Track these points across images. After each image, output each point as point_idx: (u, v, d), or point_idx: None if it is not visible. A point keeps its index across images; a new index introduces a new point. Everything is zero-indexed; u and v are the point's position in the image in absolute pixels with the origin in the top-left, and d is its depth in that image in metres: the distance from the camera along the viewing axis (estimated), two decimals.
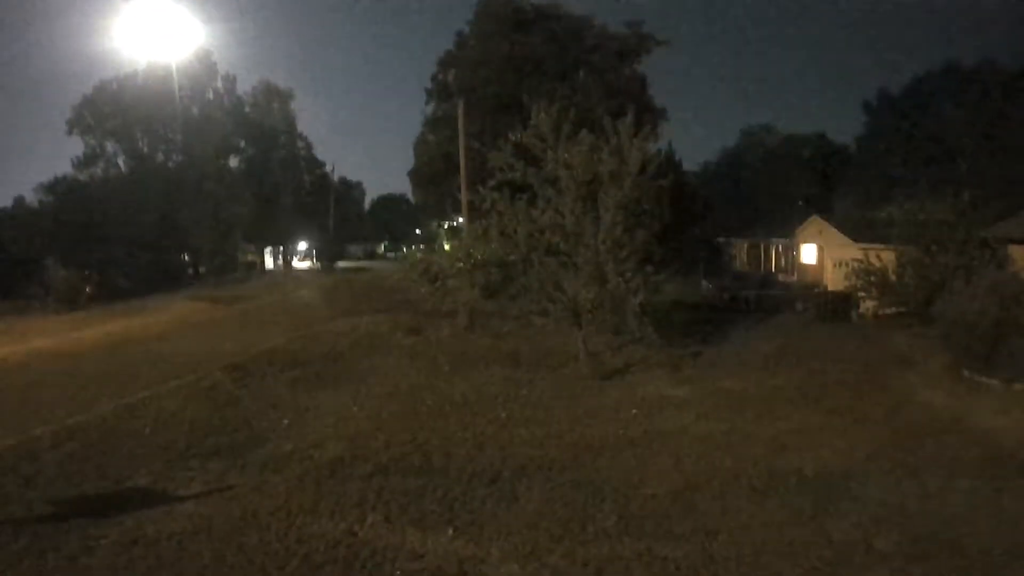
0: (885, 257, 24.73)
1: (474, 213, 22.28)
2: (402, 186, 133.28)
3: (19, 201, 59.50)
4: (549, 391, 15.59)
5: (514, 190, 18.67)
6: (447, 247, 27.29)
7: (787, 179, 65.98)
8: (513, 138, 18.72)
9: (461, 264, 19.23)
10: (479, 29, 39.91)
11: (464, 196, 24.94)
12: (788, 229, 45.42)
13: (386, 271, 52.35)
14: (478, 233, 19.80)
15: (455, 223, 43.78)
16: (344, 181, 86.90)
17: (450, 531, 8.40)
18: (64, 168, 57.68)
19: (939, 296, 20.22)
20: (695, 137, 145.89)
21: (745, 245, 52.30)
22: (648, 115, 33.09)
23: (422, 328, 23.20)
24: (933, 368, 16.37)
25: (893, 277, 24.13)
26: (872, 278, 24.58)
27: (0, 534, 8.35)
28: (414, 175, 43.24)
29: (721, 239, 51.85)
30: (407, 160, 51.16)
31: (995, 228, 23.03)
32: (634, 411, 13.76)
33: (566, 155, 17.70)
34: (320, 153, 72.63)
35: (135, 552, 7.92)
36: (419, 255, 24.91)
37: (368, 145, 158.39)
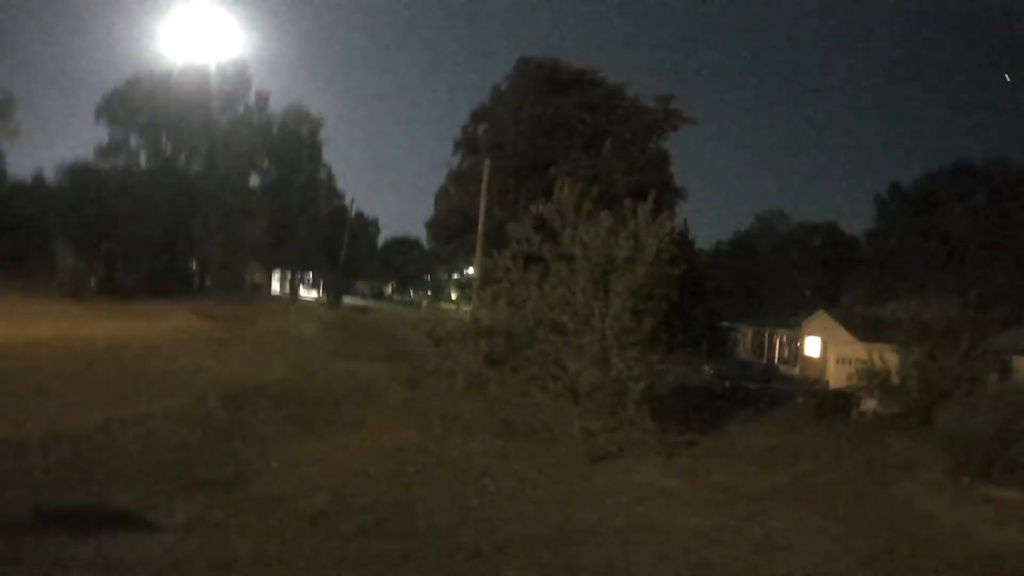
0: (889, 358, 24.76)
1: (486, 277, 22.37)
2: (417, 229, 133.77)
3: (38, 177, 59.06)
4: (540, 467, 15.43)
5: (528, 260, 18.81)
6: (454, 297, 27.51)
7: (796, 267, 66.38)
8: (534, 210, 18.93)
9: (467, 328, 19.28)
10: (515, 85, 40.55)
11: (478, 260, 24.99)
12: (794, 320, 45.49)
13: (393, 316, 52.04)
14: (488, 299, 19.86)
15: (465, 274, 43.92)
16: (360, 216, 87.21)
17: None
18: (86, 155, 56.17)
19: (941, 402, 20.26)
20: (709, 216, 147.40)
21: (750, 332, 52.27)
22: (668, 194, 33.47)
23: (420, 384, 23.04)
24: (932, 475, 16.21)
25: (896, 379, 24.13)
26: (875, 379, 24.57)
27: None
28: (431, 226, 43.60)
29: (726, 324, 51.85)
30: (426, 205, 51.64)
31: (1000, 337, 23.12)
32: (624, 498, 13.63)
33: (584, 235, 17.90)
34: (340, 184, 72.42)
35: None
36: (425, 302, 25.11)
37: (388, 184, 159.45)
